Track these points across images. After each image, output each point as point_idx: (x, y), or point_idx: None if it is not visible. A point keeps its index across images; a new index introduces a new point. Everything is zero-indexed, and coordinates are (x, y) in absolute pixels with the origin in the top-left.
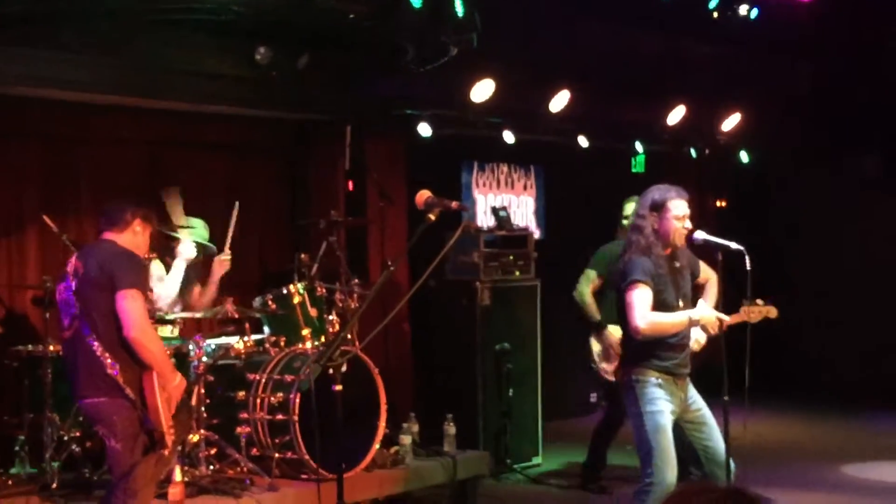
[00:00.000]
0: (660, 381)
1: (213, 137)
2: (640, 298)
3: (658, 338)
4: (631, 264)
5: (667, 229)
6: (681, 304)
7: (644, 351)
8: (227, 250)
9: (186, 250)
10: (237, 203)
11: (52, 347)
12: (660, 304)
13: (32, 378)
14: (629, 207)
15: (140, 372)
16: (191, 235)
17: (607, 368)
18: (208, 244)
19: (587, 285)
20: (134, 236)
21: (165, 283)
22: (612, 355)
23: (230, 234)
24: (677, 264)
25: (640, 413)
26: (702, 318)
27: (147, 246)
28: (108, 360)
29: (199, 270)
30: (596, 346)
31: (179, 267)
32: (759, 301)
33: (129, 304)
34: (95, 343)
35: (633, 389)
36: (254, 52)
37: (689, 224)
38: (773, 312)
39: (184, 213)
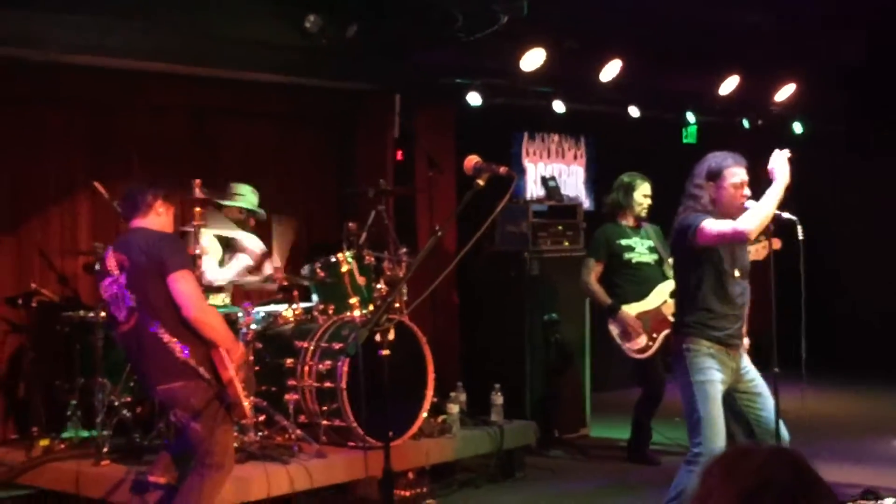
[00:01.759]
0: (711, 350)
1: (261, 106)
2: (715, 222)
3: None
4: (688, 218)
5: (724, 198)
6: (737, 274)
7: (696, 320)
8: (276, 259)
9: (251, 246)
10: (295, 224)
11: (102, 313)
12: (713, 269)
13: (84, 343)
14: (645, 187)
15: (208, 350)
16: (240, 202)
17: (632, 347)
18: (257, 210)
19: (589, 274)
20: (158, 217)
21: (221, 271)
22: (632, 334)
23: (281, 250)
24: None
25: (689, 382)
26: (784, 181)
27: (172, 225)
28: (178, 345)
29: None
30: (615, 329)
31: (236, 266)
32: (761, 237)
33: (184, 286)
34: (161, 330)
35: (683, 358)
36: (303, 20)
37: (747, 192)
38: (776, 244)
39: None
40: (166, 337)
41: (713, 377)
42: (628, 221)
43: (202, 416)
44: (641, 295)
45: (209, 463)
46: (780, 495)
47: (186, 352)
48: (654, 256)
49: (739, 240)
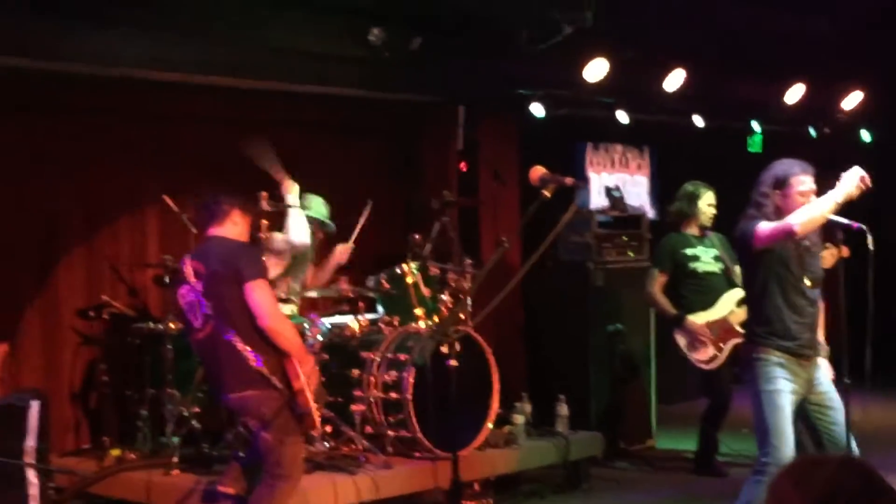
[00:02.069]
0: (781, 360)
1: (326, 118)
2: (771, 225)
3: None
4: (748, 225)
5: (790, 206)
6: (808, 282)
7: (765, 329)
8: (351, 243)
9: (293, 200)
10: (370, 202)
11: (171, 325)
12: (781, 279)
13: (154, 355)
14: (710, 196)
15: (280, 360)
16: (308, 213)
17: (699, 358)
18: (327, 221)
19: (653, 283)
20: (234, 226)
21: (295, 232)
22: (699, 344)
23: (359, 228)
24: (806, 243)
25: (758, 392)
26: (845, 193)
27: (248, 234)
28: (251, 354)
29: (315, 250)
30: (681, 340)
31: (296, 216)
32: (827, 245)
33: (259, 295)
34: (235, 338)
35: (753, 368)
36: (367, 34)
37: (814, 200)
38: (844, 252)
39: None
40: (240, 345)
41: (782, 387)
42: (693, 230)
43: (273, 426)
44: (707, 304)
45: (278, 473)
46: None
47: (259, 361)
48: (720, 265)
49: (787, 235)
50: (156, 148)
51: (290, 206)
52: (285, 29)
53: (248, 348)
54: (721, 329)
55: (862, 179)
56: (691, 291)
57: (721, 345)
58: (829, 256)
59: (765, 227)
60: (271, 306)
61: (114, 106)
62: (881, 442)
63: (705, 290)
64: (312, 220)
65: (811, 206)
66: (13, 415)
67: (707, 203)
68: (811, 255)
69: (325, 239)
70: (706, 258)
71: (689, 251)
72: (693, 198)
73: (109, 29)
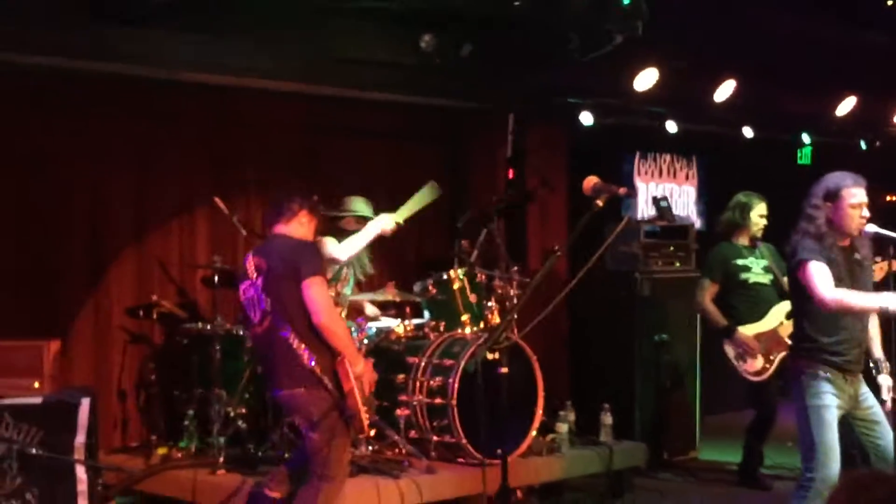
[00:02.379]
0: (828, 374)
1: (373, 124)
2: (818, 271)
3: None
4: (799, 244)
5: (842, 219)
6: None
7: (814, 344)
8: (401, 220)
9: (382, 224)
10: (432, 183)
11: (220, 326)
12: None
13: (202, 355)
14: (762, 207)
15: (332, 360)
16: (356, 213)
17: (748, 369)
18: (371, 216)
19: (703, 294)
20: (300, 227)
21: (345, 248)
22: (750, 355)
23: (412, 208)
24: (857, 256)
25: (805, 406)
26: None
27: (312, 236)
28: (305, 352)
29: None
30: (731, 351)
31: (361, 237)
32: (878, 258)
33: (315, 292)
34: (291, 335)
35: (799, 382)
36: (418, 40)
37: (867, 213)
38: (894, 265)
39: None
40: (296, 343)
41: (829, 402)
42: (744, 241)
43: (320, 426)
44: (757, 316)
45: (323, 474)
46: None
47: (312, 360)
48: (770, 276)
49: (815, 302)
50: (209, 151)
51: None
52: (339, 35)
53: (303, 346)
54: (770, 341)
55: None
56: (741, 302)
57: (770, 357)
58: (878, 270)
59: (809, 273)
60: (327, 304)
61: (169, 109)
62: None
63: (755, 301)
64: (360, 220)
65: (857, 298)
66: (64, 411)
67: (759, 214)
68: (862, 269)
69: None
70: (757, 269)
71: (740, 262)
72: (745, 208)
73: (171, 32)
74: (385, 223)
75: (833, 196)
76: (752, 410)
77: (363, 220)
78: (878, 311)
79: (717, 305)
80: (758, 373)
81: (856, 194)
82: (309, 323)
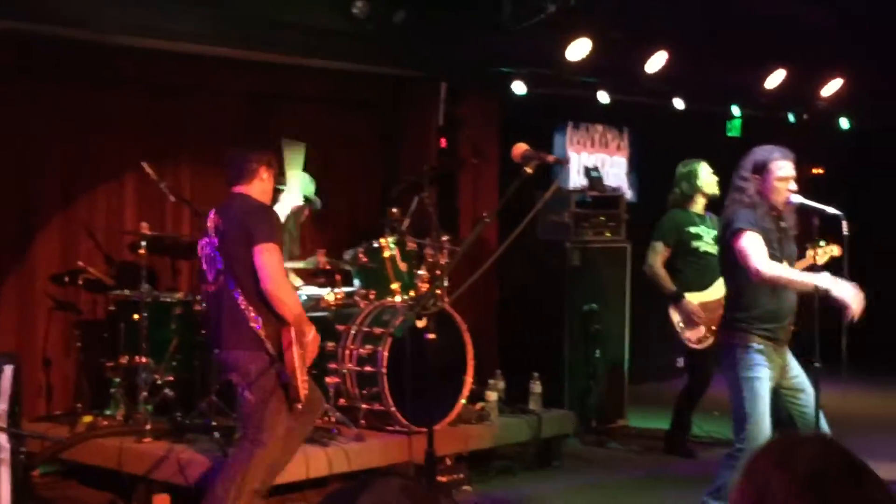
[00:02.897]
0: (761, 346)
1: (308, 91)
2: (753, 242)
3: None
4: (734, 214)
5: (769, 190)
6: (785, 264)
7: (747, 315)
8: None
9: (292, 197)
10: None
11: (147, 292)
12: None
13: (128, 322)
14: (706, 166)
15: (279, 327)
16: (296, 188)
17: (690, 337)
18: (314, 198)
19: (656, 257)
20: (261, 183)
21: None
22: (694, 323)
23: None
24: (783, 224)
25: (738, 378)
26: (833, 290)
27: (272, 191)
28: (252, 314)
29: (299, 226)
30: (675, 317)
31: (282, 210)
32: (821, 242)
33: (266, 258)
34: (240, 297)
35: (733, 353)
36: (351, 6)
37: (793, 186)
38: (836, 251)
39: (301, 168)
40: (244, 304)
41: (762, 374)
42: (697, 208)
43: (258, 388)
44: (703, 285)
45: (255, 438)
46: (840, 479)
47: (259, 323)
48: (718, 247)
49: (751, 272)
50: (141, 116)
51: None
52: (273, 0)
53: (251, 308)
54: (714, 311)
55: (851, 311)
56: (690, 269)
57: (712, 327)
58: (822, 254)
59: (745, 244)
60: (276, 272)
61: (102, 74)
62: (858, 427)
63: (703, 270)
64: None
65: (791, 275)
66: None
67: (707, 173)
68: (788, 238)
69: (310, 215)
70: (707, 238)
71: (692, 229)
72: (690, 176)
73: None
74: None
75: (761, 169)
76: (687, 378)
77: (305, 201)
78: (812, 289)
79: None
80: (699, 341)
81: (783, 167)
82: (258, 287)
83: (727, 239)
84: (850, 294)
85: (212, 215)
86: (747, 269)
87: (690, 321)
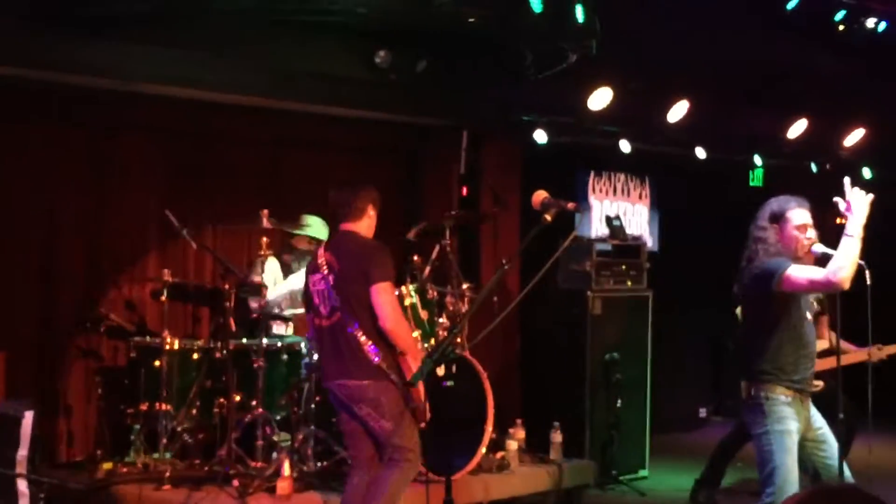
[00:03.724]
0: (789, 399)
1: (331, 139)
2: (800, 269)
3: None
4: (771, 262)
5: (788, 240)
6: (808, 316)
7: (774, 366)
8: None
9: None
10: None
11: (168, 339)
12: (788, 312)
13: (149, 369)
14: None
15: (396, 355)
16: (308, 232)
17: None
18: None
19: None
20: (369, 220)
21: (277, 288)
22: None
23: None
24: None
25: (766, 431)
26: (858, 219)
27: (374, 227)
28: (371, 347)
29: None
30: None
31: (290, 282)
32: (879, 345)
33: (383, 298)
34: (360, 334)
35: (760, 406)
36: (373, 55)
37: (812, 234)
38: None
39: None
40: (363, 340)
41: (790, 427)
42: None
43: (391, 415)
44: None
45: (401, 457)
46: None
47: (379, 357)
48: (742, 299)
49: (833, 289)
50: (162, 163)
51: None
52: (295, 49)
53: (370, 343)
54: None
55: (864, 199)
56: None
57: None
58: (879, 353)
59: (801, 274)
60: (393, 310)
61: (123, 122)
62: (885, 479)
63: None
64: (312, 240)
65: (845, 252)
66: (7, 424)
67: None
68: None
69: None
70: None
71: None
72: None
73: (131, 45)
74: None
75: (778, 217)
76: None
77: (315, 241)
78: (859, 242)
79: None
80: None
81: (800, 215)
82: (375, 322)
83: (766, 286)
84: (861, 203)
85: (323, 252)
86: (825, 288)
87: None
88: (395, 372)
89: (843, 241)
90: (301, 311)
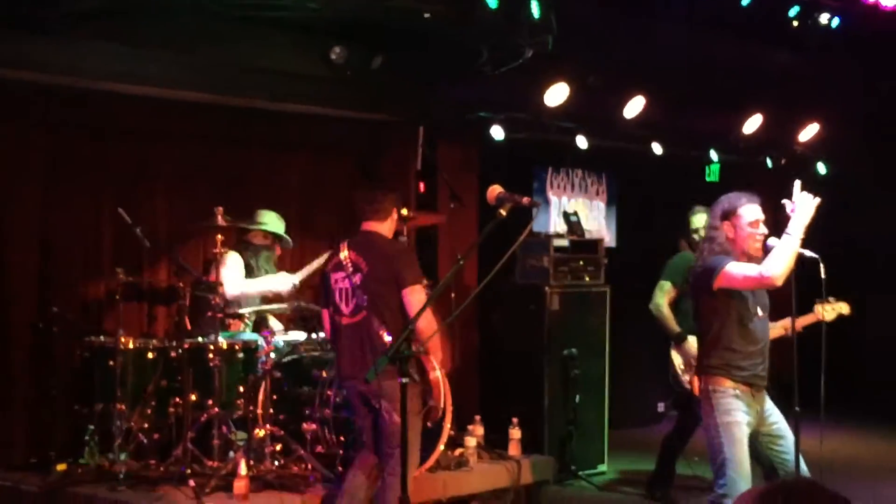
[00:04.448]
0: (737, 391)
1: (287, 136)
2: (738, 266)
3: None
4: (712, 260)
5: (740, 237)
6: (760, 312)
7: (721, 361)
8: (297, 282)
9: (283, 284)
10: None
11: (122, 339)
12: (736, 310)
13: (104, 369)
14: (698, 220)
15: (419, 354)
16: (264, 228)
17: (689, 379)
18: (283, 235)
19: (663, 297)
20: (391, 222)
21: (238, 285)
22: (693, 367)
23: (310, 270)
24: None
25: (716, 424)
26: (800, 222)
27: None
28: None
29: (274, 264)
30: (677, 359)
31: (260, 285)
32: (830, 299)
33: (416, 299)
34: (384, 331)
35: (709, 399)
36: (329, 52)
37: (764, 229)
38: (845, 308)
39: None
40: (388, 339)
41: (739, 419)
42: None
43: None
44: None
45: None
46: None
47: None
48: (692, 296)
49: (766, 286)
50: (115, 161)
51: (267, 280)
52: (249, 46)
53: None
54: None
55: (810, 201)
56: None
57: None
58: (830, 311)
59: (736, 271)
60: (426, 310)
61: (76, 119)
62: (837, 471)
63: None
64: (268, 235)
65: (781, 251)
66: None
67: (694, 227)
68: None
69: (281, 254)
70: None
71: None
72: (687, 222)
73: (85, 42)
74: (283, 285)
75: (729, 214)
76: (668, 422)
77: (271, 236)
78: (798, 245)
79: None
80: None
81: (751, 211)
82: (400, 323)
83: (707, 283)
84: (806, 205)
85: (347, 250)
86: (758, 284)
87: (691, 364)
88: (416, 369)
89: (783, 239)
90: (260, 307)
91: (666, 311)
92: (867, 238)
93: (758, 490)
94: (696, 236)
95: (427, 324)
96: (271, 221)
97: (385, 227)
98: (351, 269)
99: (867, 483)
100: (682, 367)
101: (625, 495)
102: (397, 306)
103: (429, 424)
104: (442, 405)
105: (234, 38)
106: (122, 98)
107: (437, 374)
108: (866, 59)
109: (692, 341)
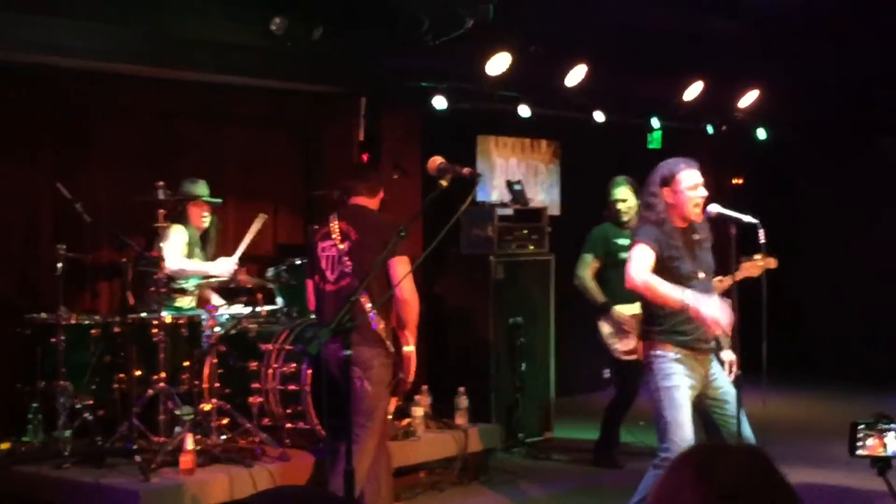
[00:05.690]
0: (678, 356)
1: (227, 108)
2: (639, 254)
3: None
4: (636, 231)
5: (680, 202)
6: (701, 275)
7: (663, 325)
8: (236, 259)
9: (223, 270)
10: (262, 216)
11: (64, 315)
12: (675, 275)
13: (45, 346)
14: (619, 192)
15: (394, 328)
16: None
17: (620, 348)
18: (213, 200)
19: (586, 269)
20: (378, 200)
21: (183, 260)
22: (625, 333)
23: (246, 243)
24: (696, 236)
25: (657, 388)
26: (700, 313)
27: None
28: (373, 316)
29: (216, 227)
30: (605, 328)
31: (198, 266)
32: (756, 256)
33: (402, 269)
34: (365, 299)
35: (651, 364)
36: (269, 23)
37: (703, 192)
38: (772, 263)
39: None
40: (368, 306)
41: (680, 382)
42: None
43: (377, 381)
44: (633, 297)
45: (366, 424)
46: (756, 498)
47: (375, 324)
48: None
49: (626, 277)
50: (53, 135)
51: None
52: (187, 16)
53: (374, 311)
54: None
55: (721, 327)
56: (619, 281)
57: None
58: (756, 266)
59: (631, 254)
60: (409, 282)
61: (7, 94)
62: (779, 432)
63: None
64: (201, 204)
65: (663, 289)
66: None
67: (614, 198)
68: (702, 249)
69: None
70: None
71: (620, 241)
72: (609, 191)
73: (11, 14)
74: (225, 269)
75: (669, 180)
76: (611, 390)
77: (203, 204)
78: (679, 306)
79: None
80: (629, 352)
81: (689, 176)
82: (382, 292)
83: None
84: (716, 312)
85: (336, 221)
86: (625, 274)
87: (621, 332)
88: (391, 341)
89: (680, 291)
90: (204, 280)
91: (590, 283)
92: (808, 203)
93: (686, 451)
94: (618, 206)
95: (412, 296)
96: (201, 189)
97: (373, 203)
98: (339, 238)
99: (810, 443)
100: (612, 336)
101: (572, 462)
102: (383, 275)
103: (397, 399)
104: (410, 378)
105: (174, 10)
106: (59, 71)
107: (411, 348)
108: (803, 25)
109: (618, 309)
